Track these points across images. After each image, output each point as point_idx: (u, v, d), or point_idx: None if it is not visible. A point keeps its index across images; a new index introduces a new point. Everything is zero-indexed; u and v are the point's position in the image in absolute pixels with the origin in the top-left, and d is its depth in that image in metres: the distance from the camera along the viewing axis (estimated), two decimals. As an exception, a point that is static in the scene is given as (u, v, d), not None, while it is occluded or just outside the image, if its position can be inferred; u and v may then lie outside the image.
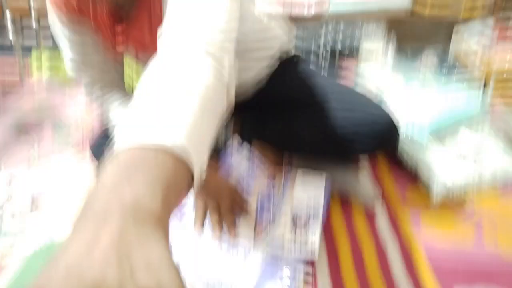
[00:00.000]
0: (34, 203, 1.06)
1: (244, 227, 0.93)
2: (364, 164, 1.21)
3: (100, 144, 1.04)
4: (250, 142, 1.12)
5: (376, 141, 0.96)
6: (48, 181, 1.14)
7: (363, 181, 1.06)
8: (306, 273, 0.85)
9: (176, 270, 0.30)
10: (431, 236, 0.98)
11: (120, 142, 0.39)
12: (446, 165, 1.11)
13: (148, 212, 0.32)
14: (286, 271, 0.83)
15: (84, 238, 0.29)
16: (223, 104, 0.54)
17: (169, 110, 0.43)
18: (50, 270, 0.27)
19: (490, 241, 0.97)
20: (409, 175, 1.17)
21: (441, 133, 1.19)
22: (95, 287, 0.26)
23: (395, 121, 0.99)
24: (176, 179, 0.38)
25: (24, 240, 0.95)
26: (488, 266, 0.91)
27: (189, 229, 0.92)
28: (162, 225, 0.33)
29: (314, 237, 0.91)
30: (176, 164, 0.39)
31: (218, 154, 1.08)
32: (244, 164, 1.08)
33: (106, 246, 0.28)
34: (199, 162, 0.42)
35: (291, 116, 1.09)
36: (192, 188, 0.42)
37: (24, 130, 1.37)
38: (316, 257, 0.88)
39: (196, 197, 0.96)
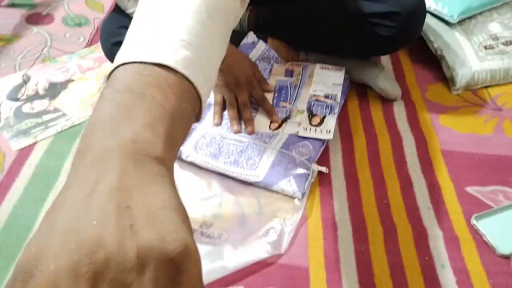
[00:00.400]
0: (51, 95, 1.06)
1: (261, 122, 0.94)
2: (386, 59, 1.17)
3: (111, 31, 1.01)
4: (265, 39, 1.08)
5: (401, 24, 0.91)
6: (63, 76, 1.13)
7: (384, 76, 1.03)
8: (320, 171, 0.86)
9: (180, 218, 0.27)
10: (449, 132, 0.97)
11: (120, 59, 0.35)
12: (473, 52, 1.07)
13: (151, 153, 0.29)
14: (300, 170, 0.84)
15: (81, 189, 0.27)
16: (235, 4, 0.47)
17: (171, 19, 0.38)
18: (47, 232, 0.25)
19: (510, 137, 0.96)
20: (431, 71, 1.13)
21: (471, 19, 1.13)
22: (94, 249, 0.24)
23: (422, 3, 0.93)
24: (181, 104, 0.33)
25: (46, 125, 0.97)
26: (503, 164, 0.90)
27: (208, 124, 0.93)
28: (165, 167, 0.30)
29: (330, 121, 0.91)
30: (181, 85, 0.34)
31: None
32: (260, 60, 1.05)
33: (104, 198, 0.26)
34: (206, 83, 0.37)
35: (307, 4, 1.03)
36: (199, 113, 0.38)
37: (35, 21, 1.34)
38: (331, 136, 0.89)
39: (214, 89, 0.95)
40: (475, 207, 0.82)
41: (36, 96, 1.06)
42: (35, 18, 1.36)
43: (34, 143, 0.94)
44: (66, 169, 0.89)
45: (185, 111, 0.34)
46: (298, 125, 0.92)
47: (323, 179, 0.87)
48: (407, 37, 0.97)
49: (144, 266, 0.24)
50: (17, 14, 1.37)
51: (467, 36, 1.10)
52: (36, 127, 0.98)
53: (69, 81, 1.11)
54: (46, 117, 1.00)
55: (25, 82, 1.10)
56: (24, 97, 1.06)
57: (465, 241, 0.77)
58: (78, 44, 1.25)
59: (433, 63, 1.13)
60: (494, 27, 1.12)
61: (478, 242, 0.77)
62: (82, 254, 0.24)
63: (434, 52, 1.12)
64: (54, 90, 1.08)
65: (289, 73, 1.03)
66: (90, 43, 1.25)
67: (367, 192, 0.85)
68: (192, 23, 0.38)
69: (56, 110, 1.03)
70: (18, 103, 1.04)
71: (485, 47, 1.08)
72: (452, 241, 0.77)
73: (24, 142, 0.94)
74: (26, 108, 1.03)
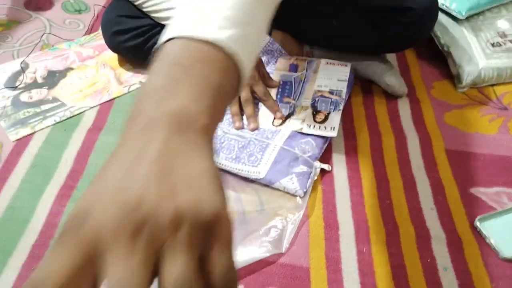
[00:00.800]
0: (49, 84, 1.04)
1: (264, 118, 0.92)
2: (391, 55, 1.15)
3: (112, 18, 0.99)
4: (269, 32, 1.06)
5: (414, 21, 0.89)
6: (62, 64, 1.11)
7: (390, 72, 1.01)
8: (322, 169, 0.85)
9: (217, 185, 0.29)
10: (454, 131, 0.96)
11: (170, 34, 0.36)
12: (480, 49, 1.06)
13: (195, 124, 0.32)
14: (302, 167, 0.83)
15: (129, 153, 0.30)
16: None
17: None
18: (97, 189, 0.29)
19: (515, 136, 0.95)
20: (437, 68, 1.12)
21: (479, 15, 1.11)
22: (136, 208, 0.27)
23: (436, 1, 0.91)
24: (225, 81, 0.36)
25: (45, 115, 0.95)
26: (508, 165, 0.89)
27: None
28: (208, 137, 0.32)
29: (335, 118, 0.90)
30: (226, 62, 0.36)
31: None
32: (263, 53, 1.03)
33: (150, 162, 0.29)
34: (249, 62, 0.39)
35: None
36: (238, 91, 0.39)
37: (34, 7, 1.31)
38: (335, 133, 0.87)
39: None
40: (479, 209, 0.81)
41: (34, 84, 1.04)
42: (34, 3, 1.33)
43: (32, 133, 0.93)
44: (64, 160, 0.88)
45: (228, 88, 0.36)
46: (302, 121, 0.90)
47: (325, 177, 0.86)
48: (419, 36, 0.95)
49: (179, 226, 0.27)
50: (15, -1, 1.34)
51: (475, 33, 1.08)
52: (34, 117, 0.96)
53: (68, 69, 1.09)
54: (44, 107, 0.98)
55: (23, 69, 1.08)
56: (22, 85, 1.04)
57: (468, 244, 0.76)
58: (78, 31, 1.23)
59: (439, 59, 1.11)
60: (503, 24, 1.10)
61: (481, 245, 0.76)
62: (125, 212, 0.27)
63: (440, 48, 1.10)
64: (53, 78, 1.06)
65: (294, 68, 1.01)
66: (90, 31, 1.23)
67: (370, 192, 0.83)
68: (241, 1, 0.39)
69: (54, 99, 1.01)
70: (16, 92, 1.02)
71: (493, 44, 1.07)
72: (455, 243, 0.76)
73: (21, 132, 0.93)
74: (24, 97, 1.01)
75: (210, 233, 0.28)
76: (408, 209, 0.81)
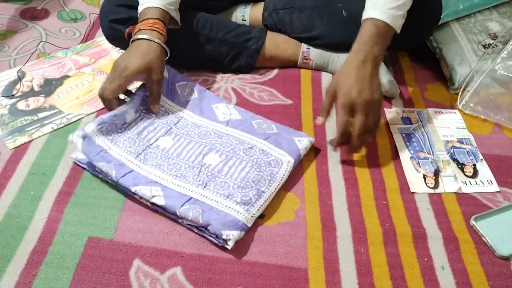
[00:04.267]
0: (46, 92, 1.05)
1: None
2: (385, 60, 1.16)
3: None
4: (264, 35, 1.08)
5: (419, 13, 0.90)
6: (58, 72, 1.11)
7: (383, 72, 1.01)
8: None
9: (380, 92, 0.82)
10: (448, 129, 0.97)
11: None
12: (472, 51, 1.07)
13: (379, 63, 0.84)
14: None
15: (356, 75, 0.80)
16: None
17: None
18: (346, 79, 0.81)
19: (509, 137, 0.96)
20: (431, 70, 1.13)
21: (471, 18, 1.13)
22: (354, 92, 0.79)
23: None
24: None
25: (42, 123, 0.95)
26: (502, 164, 0.91)
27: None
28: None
29: (484, 171, 0.89)
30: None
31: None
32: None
33: (367, 78, 0.80)
34: None
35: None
36: None
37: (30, 16, 1.32)
38: (497, 187, 0.85)
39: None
40: (474, 208, 0.82)
41: (31, 92, 1.05)
42: (30, 12, 1.34)
43: (29, 141, 0.93)
44: (62, 167, 0.88)
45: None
46: (454, 179, 0.86)
47: (321, 179, 0.86)
48: (423, 31, 1.01)
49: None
50: (11, 9, 1.35)
51: (466, 35, 1.10)
52: (31, 124, 0.96)
53: (65, 77, 1.09)
54: (41, 115, 0.99)
55: (20, 78, 1.08)
56: (19, 93, 1.04)
57: (465, 242, 0.77)
58: (74, 40, 1.24)
59: (432, 62, 1.12)
60: (494, 26, 1.11)
61: (478, 243, 0.76)
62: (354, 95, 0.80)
63: (433, 51, 1.11)
64: (49, 86, 1.07)
65: (407, 121, 0.98)
66: (86, 39, 1.24)
67: (366, 193, 0.84)
68: None
69: (51, 107, 1.01)
70: (13, 100, 1.02)
71: (484, 46, 1.08)
72: (451, 242, 0.76)
73: (19, 140, 0.93)
74: (21, 105, 1.01)
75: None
76: (404, 209, 0.82)
